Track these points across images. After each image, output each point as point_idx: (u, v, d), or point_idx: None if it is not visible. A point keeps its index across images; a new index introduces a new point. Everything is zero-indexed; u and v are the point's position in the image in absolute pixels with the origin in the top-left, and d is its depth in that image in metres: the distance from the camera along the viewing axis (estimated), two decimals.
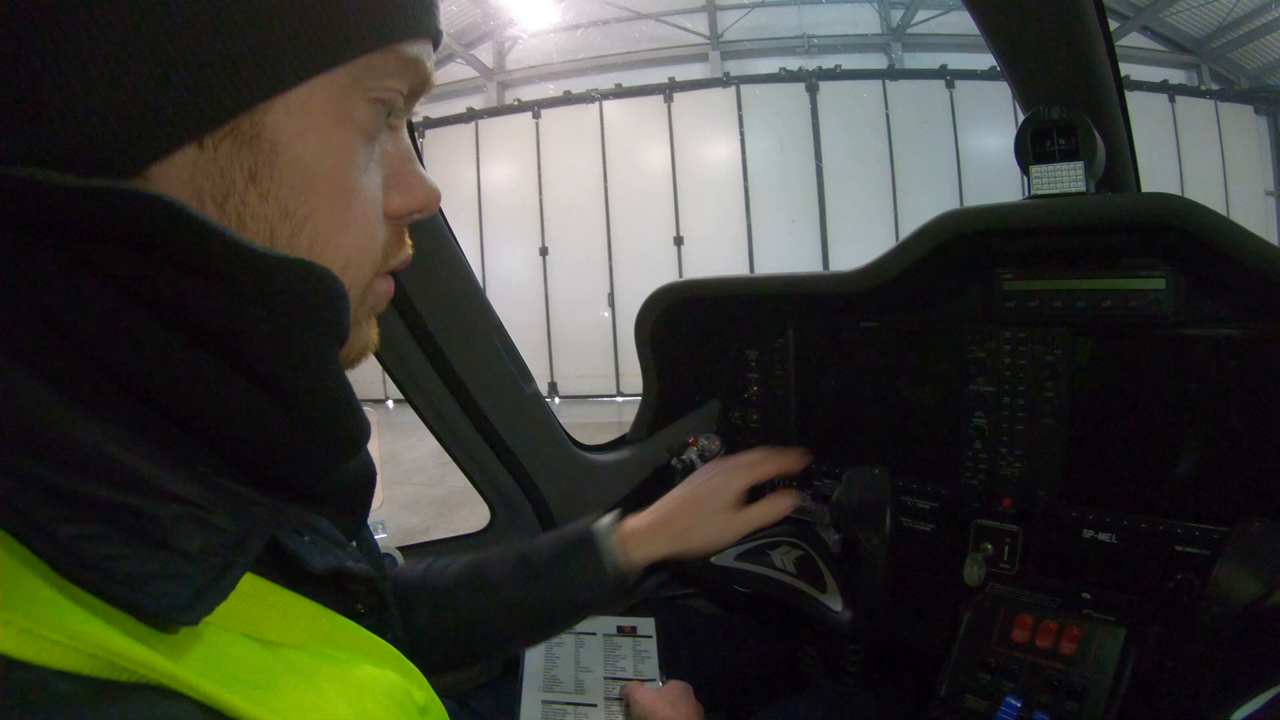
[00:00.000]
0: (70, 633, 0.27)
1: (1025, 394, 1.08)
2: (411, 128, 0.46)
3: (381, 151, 0.41)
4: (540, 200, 7.89)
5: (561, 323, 7.96)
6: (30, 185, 0.30)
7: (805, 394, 1.33)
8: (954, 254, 1.01)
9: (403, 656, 0.45)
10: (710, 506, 0.87)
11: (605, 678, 1.04)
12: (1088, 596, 0.99)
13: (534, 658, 1.06)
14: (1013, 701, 0.89)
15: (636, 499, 1.32)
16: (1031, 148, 0.96)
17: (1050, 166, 0.94)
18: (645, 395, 1.37)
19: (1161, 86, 7.85)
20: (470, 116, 8.29)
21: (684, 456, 1.22)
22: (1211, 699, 0.79)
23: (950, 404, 1.15)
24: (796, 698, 1.12)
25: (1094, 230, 0.93)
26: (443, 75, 8.95)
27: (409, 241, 0.45)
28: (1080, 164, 0.92)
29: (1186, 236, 0.85)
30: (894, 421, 1.22)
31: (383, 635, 0.45)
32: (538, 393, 1.25)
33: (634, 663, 1.07)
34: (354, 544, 0.47)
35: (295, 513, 0.40)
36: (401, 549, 1.15)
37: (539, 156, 7.88)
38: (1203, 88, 8.41)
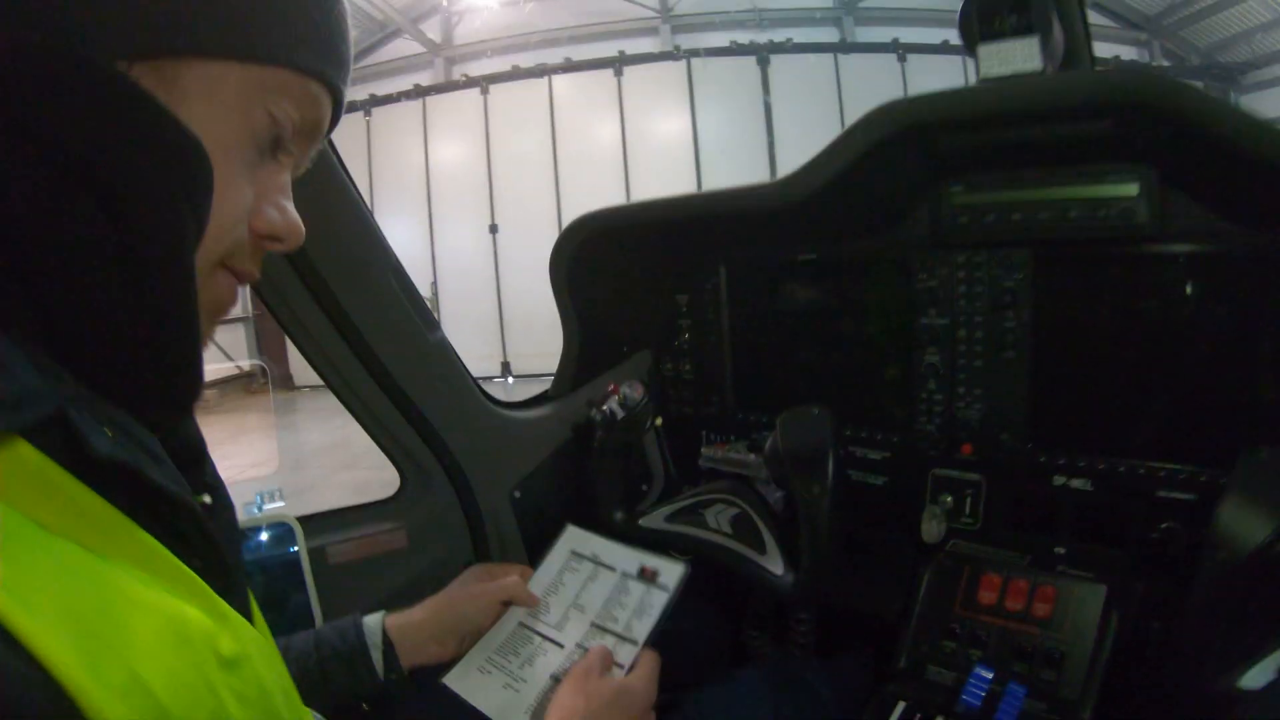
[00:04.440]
0: None
1: (983, 325, 0.97)
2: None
3: (264, 173, 0.45)
4: (490, 177, 7.79)
5: (513, 301, 7.85)
6: None
7: (740, 339, 1.21)
8: (895, 157, 0.89)
9: (219, 600, 0.40)
10: (471, 612, 0.91)
11: (591, 623, 0.91)
12: (1062, 551, 0.91)
13: (544, 577, 0.99)
14: (982, 672, 0.80)
15: (556, 462, 1.20)
16: (979, 29, 0.83)
17: (1001, 44, 0.81)
18: (566, 345, 1.24)
19: (1114, 63, 7.97)
20: (417, 93, 8.20)
21: (605, 407, 1.09)
22: (1216, 662, 0.69)
23: (900, 341, 1.04)
24: (739, 672, 1.01)
25: (1055, 117, 0.81)
26: (389, 51, 8.92)
27: (259, 270, 0.48)
28: (1035, 39, 0.79)
29: (1163, 120, 0.73)
30: (838, 364, 1.11)
31: (217, 577, 0.40)
32: (444, 340, 1.11)
33: (630, 616, 0.91)
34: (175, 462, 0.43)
35: (106, 406, 0.39)
36: (302, 519, 1.03)
37: (487, 132, 7.77)
38: (1155, 64, 8.60)
